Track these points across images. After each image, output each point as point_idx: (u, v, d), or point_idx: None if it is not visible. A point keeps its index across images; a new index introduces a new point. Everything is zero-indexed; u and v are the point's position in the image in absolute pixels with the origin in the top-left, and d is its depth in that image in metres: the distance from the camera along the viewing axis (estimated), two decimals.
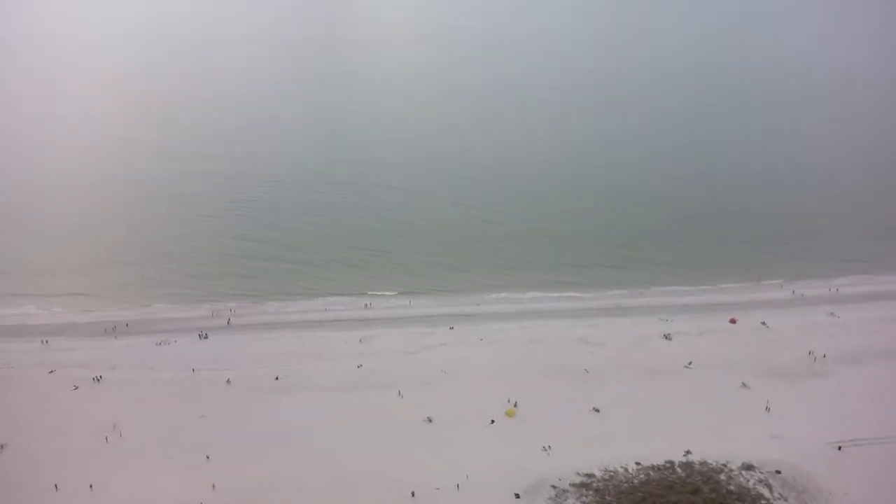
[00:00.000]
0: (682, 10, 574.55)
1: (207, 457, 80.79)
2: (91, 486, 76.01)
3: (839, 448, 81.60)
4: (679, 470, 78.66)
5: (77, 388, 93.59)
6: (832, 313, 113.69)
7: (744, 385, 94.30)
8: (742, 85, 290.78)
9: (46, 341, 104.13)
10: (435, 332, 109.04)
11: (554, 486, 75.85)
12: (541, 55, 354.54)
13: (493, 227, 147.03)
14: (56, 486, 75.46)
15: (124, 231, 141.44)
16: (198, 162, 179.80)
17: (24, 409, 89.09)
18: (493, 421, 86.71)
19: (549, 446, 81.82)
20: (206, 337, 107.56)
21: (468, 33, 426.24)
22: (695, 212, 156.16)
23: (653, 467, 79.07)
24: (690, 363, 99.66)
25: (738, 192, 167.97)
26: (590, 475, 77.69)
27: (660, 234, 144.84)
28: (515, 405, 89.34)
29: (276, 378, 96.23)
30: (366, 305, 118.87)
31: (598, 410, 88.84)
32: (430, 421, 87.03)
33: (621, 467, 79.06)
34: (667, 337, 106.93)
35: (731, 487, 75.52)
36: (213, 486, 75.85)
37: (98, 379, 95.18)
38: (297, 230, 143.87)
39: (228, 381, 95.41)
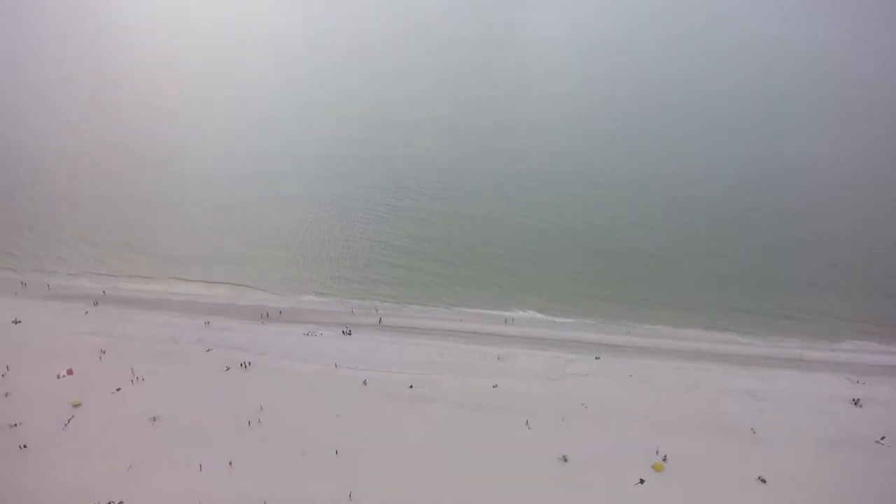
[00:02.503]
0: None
1: (336, 451, 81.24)
2: (231, 468, 78.65)
3: None
4: None
5: (228, 369, 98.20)
6: None
7: None
8: None
9: (208, 322, 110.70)
10: (579, 360, 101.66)
11: None
12: (711, 60, 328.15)
13: (647, 258, 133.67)
14: (200, 466, 78.76)
15: (283, 228, 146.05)
16: (352, 163, 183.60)
17: (181, 383, 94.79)
18: (642, 480, 77.73)
19: None
20: (350, 334, 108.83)
21: (636, 36, 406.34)
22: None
23: None
24: (884, 438, 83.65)
25: None
26: None
27: (854, 283, 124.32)
28: (665, 459, 79.84)
29: (411, 386, 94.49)
30: (506, 321, 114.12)
31: (763, 481, 76.83)
32: (566, 460, 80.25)
33: None
34: (856, 402, 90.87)
35: None
36: (350, 495, 75.13)
37: (246, 365, 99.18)
38: (440, 242, 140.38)
39: (365, 383, 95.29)
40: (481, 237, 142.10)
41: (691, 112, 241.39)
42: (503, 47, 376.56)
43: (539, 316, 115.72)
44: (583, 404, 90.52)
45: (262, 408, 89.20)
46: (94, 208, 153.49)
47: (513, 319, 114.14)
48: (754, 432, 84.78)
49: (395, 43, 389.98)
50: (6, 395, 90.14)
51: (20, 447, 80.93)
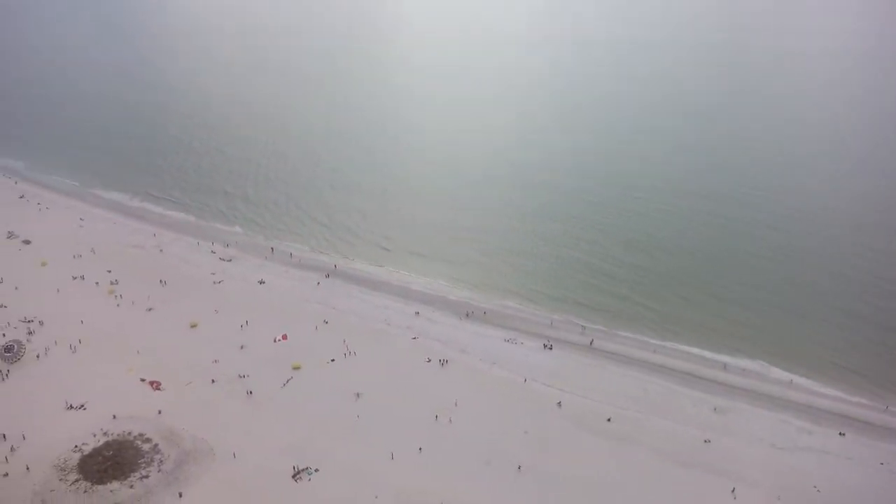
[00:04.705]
0: None
1: (519, 467, 78.26)
2: (416, 461, 79.35)
3: None
4: None
5: (429, 360, 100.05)
6: None
7: None
8: None
9: (418, 312, 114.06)
10: (816, 431, 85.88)
11: None
12: None
13: None
14: (392, 454, 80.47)
15: (493, 233, 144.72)
16: (566, 175, 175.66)
17: (385, 365, 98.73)
18: None
19: None
20: (551, 348, 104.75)
21: None
22: None
23: None
24: None
25: None
26: None
27: None
28: None
29: (609, 419, 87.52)
30: (726, 367, 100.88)
31: None
32: None
33: None
34: None
35: None
36: None
37: (444, 361, 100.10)
38: (654, 272, 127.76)
39: (559, 404, 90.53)
40: (704, 274, 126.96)
41: None
42: (752, 52, 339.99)
43: (773, 370, 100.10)
44: (815, 486, 75.97)
45: (456, 404, 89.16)
46: (327, 193, 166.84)
47: (738, 368, 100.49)
48: None
49: (618, 45, 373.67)
50: (241, 347, 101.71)
51: (247, 392, 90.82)
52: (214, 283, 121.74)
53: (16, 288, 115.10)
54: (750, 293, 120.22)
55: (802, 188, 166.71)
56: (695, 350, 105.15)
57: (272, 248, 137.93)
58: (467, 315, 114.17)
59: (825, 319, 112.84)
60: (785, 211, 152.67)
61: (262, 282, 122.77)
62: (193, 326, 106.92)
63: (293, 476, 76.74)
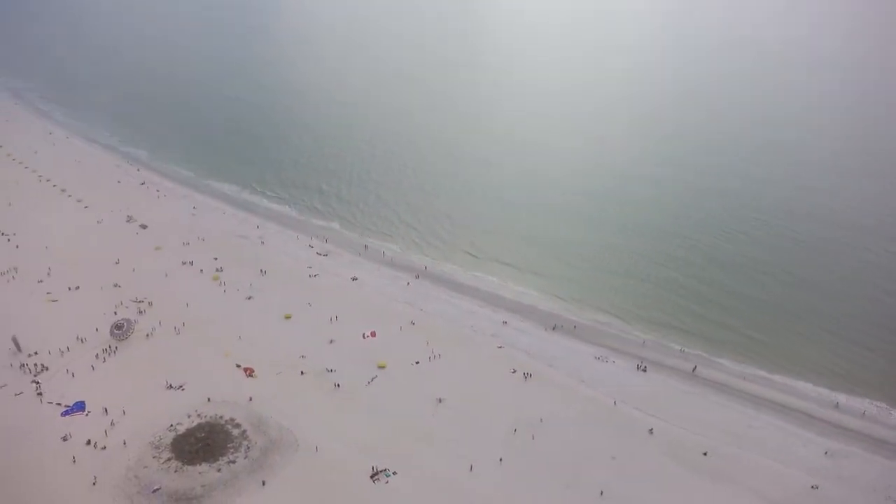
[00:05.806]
0: None
1: (602, 492, 74.63)
2: (494, 477, 77.18)
3: None
4: None
5: (514, 371, 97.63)
6: None
7: None
8: None
9: (506, 322, 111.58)
10: None
11: None
12: None
13: None
14: (471, 466, 78.89)
15: (587, 247, 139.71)
16: (669, 189, 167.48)
17: (469, 372, 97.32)
18: None
19: None
20: (645, 370, 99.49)
21: None
22: None
23: None
24: None
25: None
26: None
27: None
28: None
29: (705, 454, 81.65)
30: (838, 406, 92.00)
31: None
32: None
33: None
34: None
35: None
36: None
37: (528, 375, 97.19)
38: (756, 299, 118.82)
39: (651, 432, 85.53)
40: (821, 306, 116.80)
41: None
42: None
43: (884, 408, 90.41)
44: None
45: (541, 421, 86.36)
46: (416, 196, 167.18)
47: (855, 410, 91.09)
48: None
49: (730, 49, 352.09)
50: (331, 341, 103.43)
51: (334, 386, 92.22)
52: (310, 276, 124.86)
53: (133, 270, 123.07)
54: (872, 331, 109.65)
55: None
56: (808, 387, 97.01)
57: (366, 246, 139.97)
58: (555, 328, 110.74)
59: None
60: None
61: (354, 278, 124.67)
62: (287, 317, 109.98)
63: (371, 476, 76.74)
